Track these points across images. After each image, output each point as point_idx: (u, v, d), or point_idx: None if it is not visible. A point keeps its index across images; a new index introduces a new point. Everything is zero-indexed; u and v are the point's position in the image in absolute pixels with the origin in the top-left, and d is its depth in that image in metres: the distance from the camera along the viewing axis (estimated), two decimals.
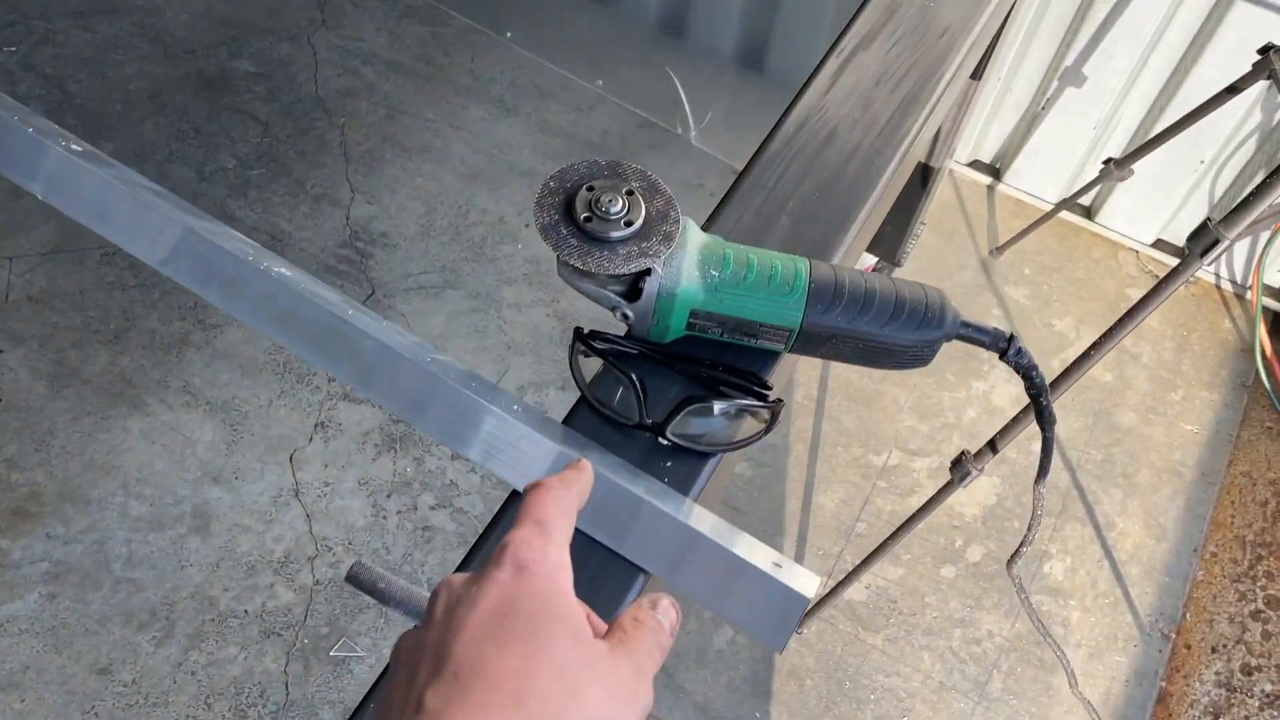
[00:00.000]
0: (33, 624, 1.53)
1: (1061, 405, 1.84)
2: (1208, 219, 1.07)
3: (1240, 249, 2.01)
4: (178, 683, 1.50)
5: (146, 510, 1.65)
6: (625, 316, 0.57)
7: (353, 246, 2.02)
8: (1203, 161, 1.87)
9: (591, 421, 0.58)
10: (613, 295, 0.56)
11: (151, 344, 1.84)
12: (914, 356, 0.57)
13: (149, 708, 1.48)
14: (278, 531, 1.66)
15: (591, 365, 0.61)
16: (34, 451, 1.69)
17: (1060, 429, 1.85)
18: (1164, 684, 1.63)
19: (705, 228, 0.67)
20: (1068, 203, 1.99)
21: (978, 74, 1.07)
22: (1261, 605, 1.70)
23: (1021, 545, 1.11)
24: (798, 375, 1.90)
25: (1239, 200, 1.05)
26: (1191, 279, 1.74)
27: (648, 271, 0.54)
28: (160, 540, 1.62)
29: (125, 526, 1.63)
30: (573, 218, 0.54)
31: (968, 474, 1.27)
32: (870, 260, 1.47)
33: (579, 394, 0.60)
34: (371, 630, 1.58)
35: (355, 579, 0.56)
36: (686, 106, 2.26)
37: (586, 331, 0.59)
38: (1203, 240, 1.07)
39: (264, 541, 1.64)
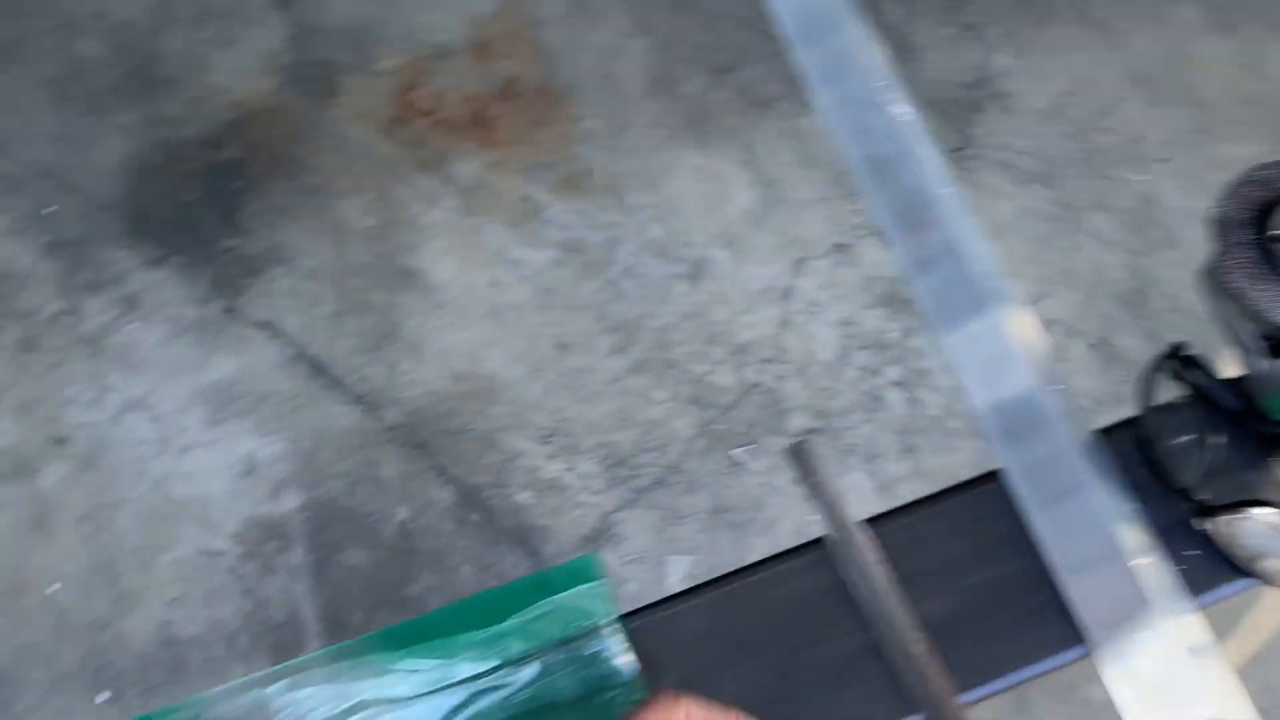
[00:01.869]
0: (535, 275, 1.77)
1: None
2: None
3: None
4: (608, 392, 1.68)
5: (661, 236, 1.80)
6: (1252, 365, 0.46)
7: (972, 90, 1.92)
8: None
9: (1123, 447, 0.50)
10: (1253, 337, 0.45)
11: (744, 92, 1.93)
12: None
13: (578, 401, 1.68)
14: (750, 319, 1.73)
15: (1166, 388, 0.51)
16: (606, 136, 1.89)
17: None
18: None
19: None
20: None
21: None
22: None
23: None
24: None
25: None
26: None
27: None
28: (658, 269, 1.77)
29: (638, 241, 1.80)
30: (1264, 228, 0.44)
31: None
32: None
33: (1136, 409, 0.51)
34: (774, 457, 1.63)
35: (797, 454, 0.55)
36: None
37: (1186, 353, 0.49)
38: None
39: (735, 321, 1.73)
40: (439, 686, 0.61)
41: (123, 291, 1.77)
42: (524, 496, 1.63)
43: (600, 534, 1.60)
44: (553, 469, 1.64)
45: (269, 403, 1.70)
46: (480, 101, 1.94)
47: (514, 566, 1.58)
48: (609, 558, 1.58)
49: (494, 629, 0.63)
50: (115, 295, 1.77)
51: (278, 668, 0.61)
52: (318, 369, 1.72)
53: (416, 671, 0.62)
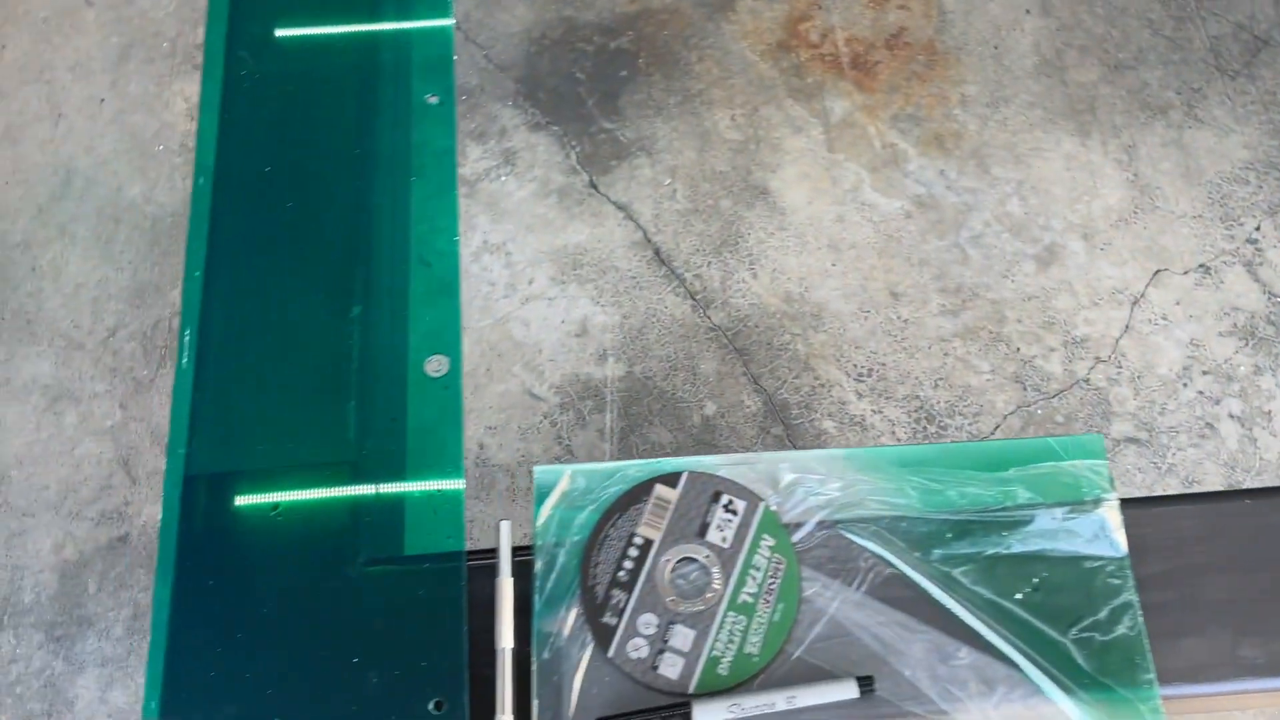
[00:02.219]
0: (882, 221, 1.80)
1: None
2: None
3: None
4: (931, 349, 1.69)
5: (1018, 213, 1.79)
6: None
7: None
8: None
9: None
10: None
11: (1136, 94, 1.88)
12: None
13: (899, 350, 1.70)
14: (1092, 316, 1.71)
15: None
16: (983, 105, 1.88)
17: None
18: None
19: None
20: None
21: None
22: None
23: None
24: None
25: None
26: None
27: None
28: (1008, 244, 1.77)
29: (994, 212, 1.79)
30: None
31: None
32: None
33: None
34: None
35: None
36: None
37: None
38: None
39: (1076, 314, 1.71)
40: (942, 509, 0.66)
41: (504, 146, 1.92)
42: (827, 424, 1.67)
43: None
44: (860, 407, 1.68)
45: (610, 276, 1.80)
46: (865, 45, 1.97)
47: None
48: None
49: (998, 473, 0.67)
50: (496, 148, 1.92)
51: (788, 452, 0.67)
52: (660, 257, 1.81)
53: (920, 489, 0.67)
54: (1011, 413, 1.65)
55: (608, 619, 0.66)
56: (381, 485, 0.72)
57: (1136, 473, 1.60)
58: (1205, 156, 1.82)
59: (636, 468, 0.71)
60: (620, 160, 1.90)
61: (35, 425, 1.77)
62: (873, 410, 1.67)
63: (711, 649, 0.65)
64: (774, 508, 0.69)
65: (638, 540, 0.68)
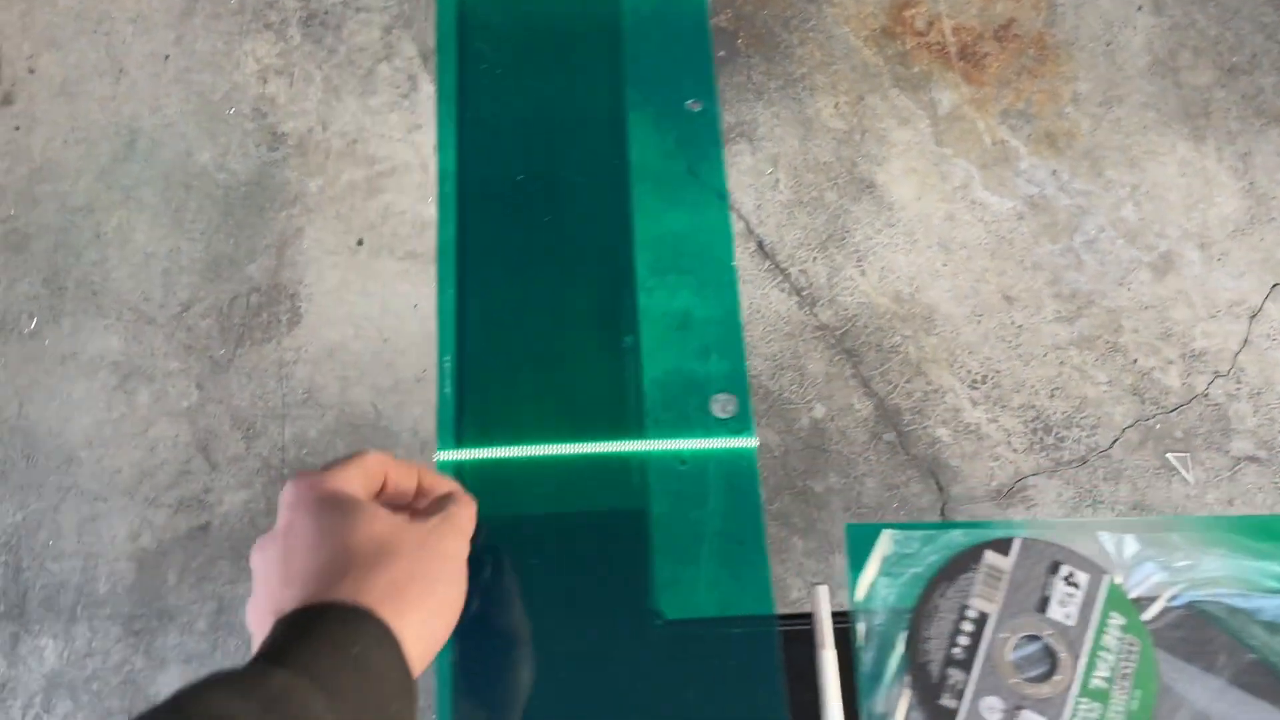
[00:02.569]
0: (994, 222, 1.75)
1: None
2: None
3: None
4: (1047, 357, 1.65)
5: (1133, 218, 1.75)
6: None
7: None
8: None
9: None
10: None
11: (1251, 99, 1.83)
12: None
13: (1014, 357, 1.66)
14: (1210, 329, 1.67)
15: None
16: (1095, 104, 1.83)
17: None
18: None
19: None
20: None
21: None
22: None
23: None
24: None
25: None
26: None
27: None
28: (1123, 251, 1.72)
29: (1109, 217, 1.75)
30: None
31: None
32: None
33: None
34: (1208, 472, 1.57)
35: None
36: None
37: None
38: None
39: (1194, 326, 1.67)
40: None
41: None
42: (941, 432, 1.62)
43: (1011, 492, 1.58)
44: (975, 415, 1.63)
45: (711, 267, 1.73)
46: (973, 35, 1.90)
47: (918, 495, 1.59)
48: (1015, 517, 1.57)
49: None
50: None
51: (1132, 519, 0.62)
52: (763, 251, 1.75)
53: (1273, 566, 0.62)
54: (1130, 426, 1.61)
55: (946, 701, 0.61)
56: (675, 537, 0.66)
57: (1257, 492, 1.57)
58: None
59: (961, 532, 0.65)
60: (718, 146, 1.82)
61: (105, 404, 1.68)
62: (988, 419, 1.63)
63: None
64: (1119, 581, 0.63)
65: (971, 613, 0.63)
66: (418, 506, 0.54)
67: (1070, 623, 0.63)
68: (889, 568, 0.65)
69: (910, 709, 0.61)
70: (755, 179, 1.80)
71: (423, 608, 0.45)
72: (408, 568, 0.45)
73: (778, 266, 1.74)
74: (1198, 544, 0.64)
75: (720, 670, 0.62)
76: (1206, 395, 1.63)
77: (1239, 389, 1.64)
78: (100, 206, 1.81)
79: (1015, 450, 1.61)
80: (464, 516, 0.52)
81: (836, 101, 1.86)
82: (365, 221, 1.79)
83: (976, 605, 0.63)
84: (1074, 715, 0.60)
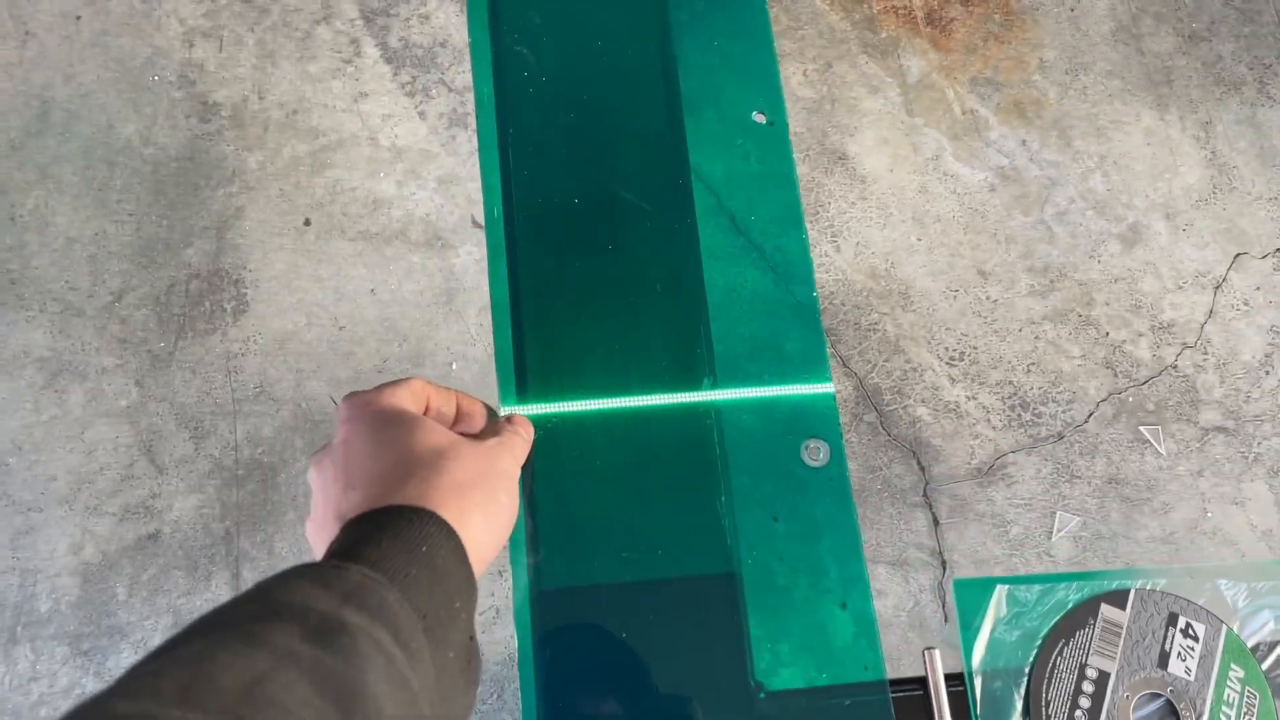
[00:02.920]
0: (967, 194, 1.73)
1: None
2: None
3: None
4: (1022, 332, 1.65)
5: (1101, 189, 1.74)
6: None
7: None
8: None
9: None
10: None
11: (1211, 67, 1.84)
12: None
13: (990, 333, 1.65)
14: (1178, 300, 1.69)
15: None
16: (1061, 71, 1.81)
17: None
18: None
19: None
20: None
21: None
22: None
23: None
24: None
25: None
26: None
27: None
28: (1093, 223, 1.72)
29: (1078, 188, 1.74)
30: None
31: None
32: None
33: None
34: (1180, 443, 1.59)
35: None
36: None
37: None
38: None
39: (1162, 298, 1.68)
40: None
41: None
42: (922, 411, 1.61)
43: (992, 470, 1.58)
44: (954, 393, 1.62)
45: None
46: (939, 0, 1.86)
47: (900, 476, 1.57)
48: (996, 495, 1.57)
49: None
50: None
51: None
52: (735, 226, 1.69)
53: None
54: (1103, 400, 1.63)
55: None
56: (775, 600, 0.61)
57: (1225, 462, 1.60)
58: (1278, 136, 1.80)
59: (1075, 586, 0.62)
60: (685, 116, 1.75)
61: (33, 405, 1.55)
62: (967, 396, 1.62)
63: None
64: (1236, 629, 0.61)
65: (1091, 672, 0.60)
66: (462, 430, 0.56)
67: (1190, 677, 0.60)
68: (1001, 625, 0.61)
69: None
70: (722, 149, 1.73)
71: (486, 512, 0.46)
72: (469, 475, 0.47)
73: (751, 243, 1.68)
74: None
75: None
76: (1175, 367, 1.65)
77: (1206, 360, 1.66)
78: (13, 186, 1.65)
79: (994, 428, 1.60)
80: (518, 441, 0.54)
81: (805, 69, 1.80)
82: (312, 200, 1.67)
83: (1096, 663, 0.60)
84: None
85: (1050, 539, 1.55)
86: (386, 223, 1.66)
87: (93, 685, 1.43)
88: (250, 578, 1.47)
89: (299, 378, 1.57)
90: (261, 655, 0.33)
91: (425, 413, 0.53)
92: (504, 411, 0.62)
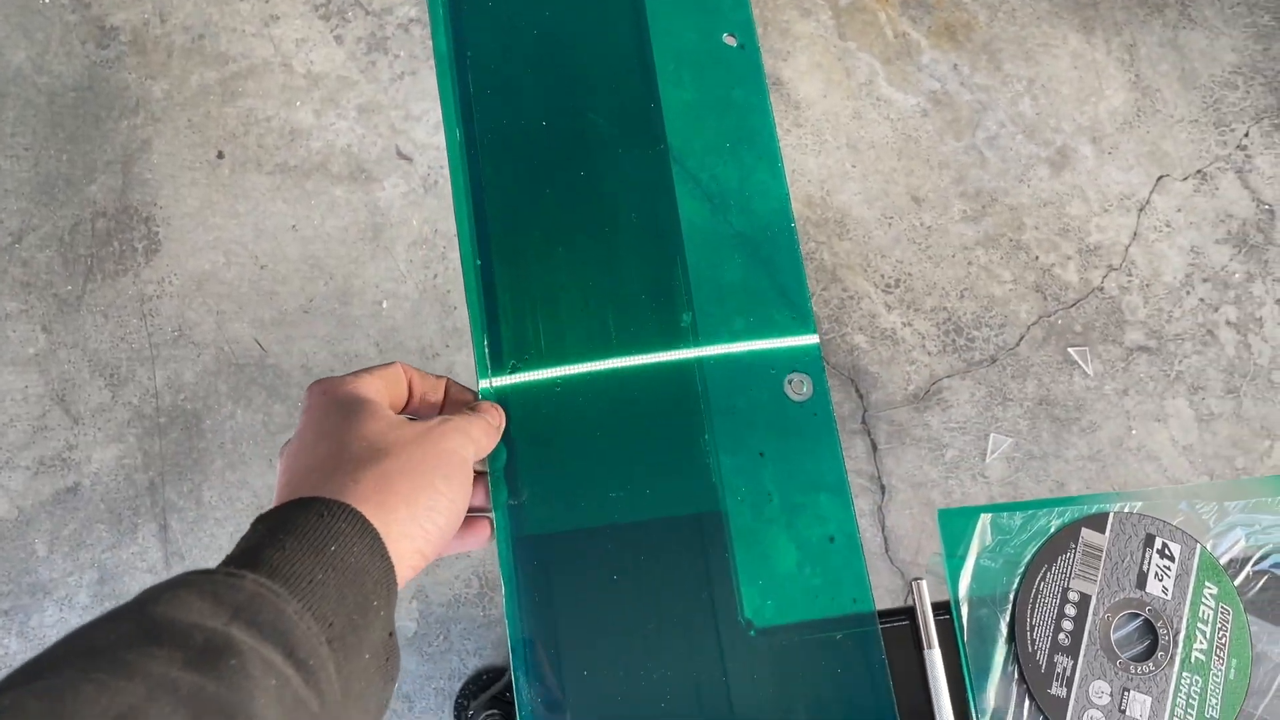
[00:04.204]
0: (899, 119, 1.73)
1: None
2: None
3: None
4: (956, 257, 1.66)
5: (1030, 113, 1.75)
6: None
7: None
8: None
9: None
10: None
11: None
12: None
13: (925, 259, 1.66)
14: (1103, 223, 1.71)
15: None
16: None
17: None
18: None
19: None
20: None
21: None
22: None
23: None
24: None
25: None
26: None
27: None
28: (1023, 147, 1.73)
29: (1008, 112, 1.75)
30: None
31: None
32: None
33: None
34: (1106, 364, 1.64)
35: None
36: None
37: None
38: None
39: (1089, 221, 1.71)
40: None
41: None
42: (859, 339, 1.62)
43: (928, 395, 1.61)
44: (890, 319, 1.63)
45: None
46: None
47: (840, 404, 1.59)
48: (932, 420, 1.60)
49: None
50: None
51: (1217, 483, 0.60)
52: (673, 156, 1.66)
53: None
54: (1034, 323, 1.66)
55: (1056, 690, 0.59)
56: (762, 536, 0.60)
57: (1149, 381, 1.65)
58: (1199, 59, 1.83)
59: (1056, 511, 0.62)
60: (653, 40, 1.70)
61: None
62: (903, 323, 1.63)
63: (1171, 716, 0.59)
64: (1209, 548, 0.62)
65: (1073, 596, 0.60)
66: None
67: (1167, 596, 0.61)
68: (986, 553, 0.61)
69: (1016, 701, 0.59)
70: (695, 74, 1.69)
71: (413, 503, 0.43)
72: (399, 464, 0.44)
73: (687, 172, 1.65)
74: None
75: (820, 678, 0.58)
76: (1101, 289, 1.69)
77: (1130, 281, 1.70)
78: None
79: (929, 354, 1.62)
80: (471, 421, 0.51)
81: None
82: (224, 131, 1.58)
83: (1077, 586, 0.61)
84: (1177, 692, 0.59)
85: (984, 460, 1.58)
86: (306, 155, 1.58)
87: (16, 646, 1.37)
88: (179, 529, 1.42)
89: (220, 319, 1.50)
90: (133, 686, 0.30)
91: (409, 398, 0.51)
92: (482, 385, 0.59)
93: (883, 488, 1.56)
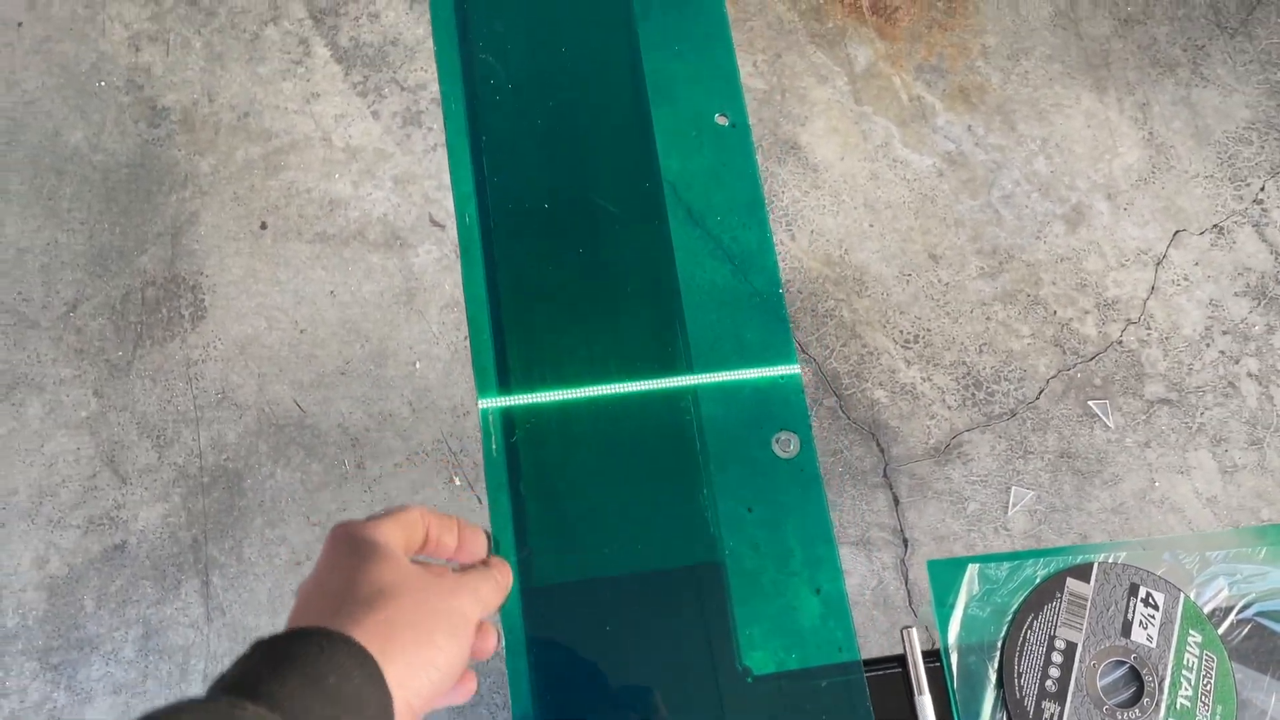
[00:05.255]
0: (916, 180, 1.77)
1: None
2: None
3: None
4: (974, 313, 1.69)
5: (1045, 171, 1.79)
6: None
7: None
8: None
9: None
10: None
11: (1147, 50, 1.89)
12: None
13: (943, 315, 1.68)
14: (1121, 277, 1.73)
15: None
16: (1004, 57, 1.85)
17: None
18: None
19: None
20: None
21: None
22: None
23: None
24: None
25: None
26: None
27: None
28: (1038, 205, 1.76)
29: (1023, 170, 1.78)
30: None
31: None
32: None
33: None
34: (1127, 416, 1.65)
35: None
36: None
37: None
38: None
39: (1106, 275, 1.73)
40: None
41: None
42: (879, 394, 1.64)
43: (949, 448, 1.62)
44: (910, 374, 1.66)
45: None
46: None
47: (861, 459, 1.61)
48: (953, 473, 1.61)
49: None
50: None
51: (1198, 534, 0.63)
52: (692, 218, 1.71)
53: None
54: (1053, 376, 1.67)
55: None
56: (750, 587, 0.63)
57: (1171, 433, 1.66)
58: (1212, 116, 1.86)
59: (1042, 561, 0.65)
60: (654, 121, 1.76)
61: None
62: (922, 378, 1.66)
63: None
64: (1192, 597, 0.64)
65: (1059, 644, 0.63)
66: (461, 560, 0.55)
67: (1152, 644, 0.63)
68: (974, 602, 0.64)
69: None
70: (678, 140, 1.75)
71: (415, 655, 0.44)
72: (405, 614, 0.45)
73: (708, 233, 1.70)
74: (1267, 555, 0.66)
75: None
76: (1120, 342, 1.71)
77: (1149, 334, 1.72)
78: None
79: (949, 407, 1.64)
80: (483, 580, 0.52)
81: (755, 60, 1.82)
82: (267, 203, 1.66)
83: (1064, 635, 0.63)
84: None
85: (1007, 514, 1.59)
86: (344, 224, 1.65)
87: (64, 699, 1.41)
88: (220, 584, 1.47)
89: (261, 382, 1.56)
90: None
91: (425, 543, 0.53)
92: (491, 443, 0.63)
93: (905, 541, 1.57)
